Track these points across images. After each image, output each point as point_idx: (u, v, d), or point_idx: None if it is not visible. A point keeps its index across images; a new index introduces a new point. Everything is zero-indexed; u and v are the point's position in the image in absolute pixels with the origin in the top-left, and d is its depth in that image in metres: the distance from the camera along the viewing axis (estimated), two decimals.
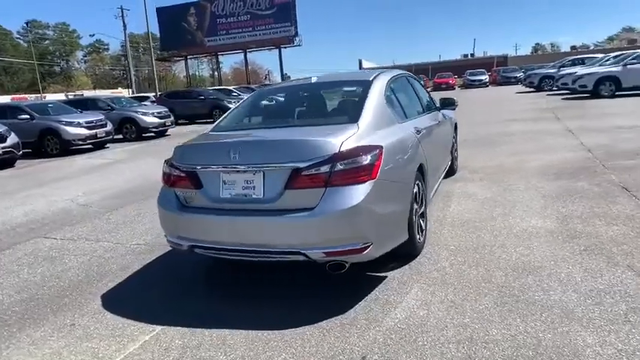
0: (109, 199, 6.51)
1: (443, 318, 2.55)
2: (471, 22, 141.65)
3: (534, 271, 3.02)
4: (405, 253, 3.26)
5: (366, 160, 2.65)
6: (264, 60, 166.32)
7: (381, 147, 2.79)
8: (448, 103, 5.01)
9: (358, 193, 2.59)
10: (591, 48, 62.16)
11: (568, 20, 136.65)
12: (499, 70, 39.85)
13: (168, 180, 3.12)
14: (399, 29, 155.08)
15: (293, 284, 3.23)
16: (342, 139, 2.70)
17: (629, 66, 14.90)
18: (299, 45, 43.17)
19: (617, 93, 15.07)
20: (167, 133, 16.71)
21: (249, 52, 46.00)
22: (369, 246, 2.65)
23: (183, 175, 2.99)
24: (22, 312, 3.17)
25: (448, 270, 3.16)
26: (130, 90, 45.64)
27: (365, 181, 2.63)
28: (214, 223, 2.85)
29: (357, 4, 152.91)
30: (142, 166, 9.51)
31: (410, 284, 3.00)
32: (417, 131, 3.64)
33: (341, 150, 2.64)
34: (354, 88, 3.69)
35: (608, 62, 16.68)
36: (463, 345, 2.28)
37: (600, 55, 20.37)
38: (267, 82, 44.33)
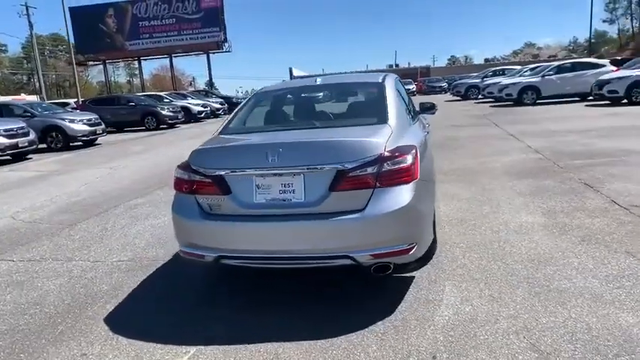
0: (60, 214, 5.83)
1: (490, 311, 2.61)
2: (392, 35, 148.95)
3: (549, 262, 3.21)
4: (426, 253, 3.29)
5: (410, 160, 2.64)
6: (190, 66, 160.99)
7: (415, 146, 2.81)
8: (428, 108, 5.17)
9: (406, 193, 2.57)
10: (500, 61, 68.70)
11: (476, 35, 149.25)
12: (425, 80, 42.42)
13: (187, 186, 2.86)
14: (327, 39, 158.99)
15: (318, 289, 3.11)
16: (385, 139, 2.67)
17: (546, 77, 16.72)
18: (228, 51, 42.46)
19: (537, 101, 16.77)
20: (97, 142, 15.43)
21: (175, 57, 44.22)
22: (414, 246, 2.64)
23: (207, 180, 2.76)
24: (8, 346, 2.71)
25: (470, 266, 3.26)
26: (40, 96, 41.29)
27: (410, 181, 2.62)
28: (248, 230, 2.67)
29: (287, 14, 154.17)
30: (83, 177, 8.65)
31: (440, 282, 3.04)
32: (426, 132, 3.73)
33: (386, 150, 2.61)
34: (369, 90, 3.67)
35: (527, 73, 18.55)
36: (523, 335, 2.35)
37: (518, 67, 22.54)
38: (192, 89, 42.99)
